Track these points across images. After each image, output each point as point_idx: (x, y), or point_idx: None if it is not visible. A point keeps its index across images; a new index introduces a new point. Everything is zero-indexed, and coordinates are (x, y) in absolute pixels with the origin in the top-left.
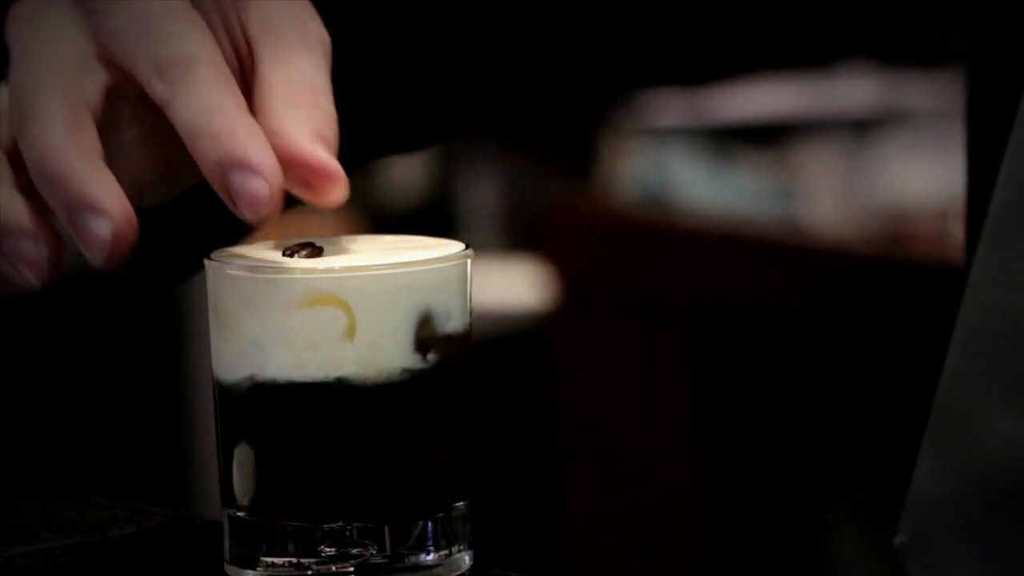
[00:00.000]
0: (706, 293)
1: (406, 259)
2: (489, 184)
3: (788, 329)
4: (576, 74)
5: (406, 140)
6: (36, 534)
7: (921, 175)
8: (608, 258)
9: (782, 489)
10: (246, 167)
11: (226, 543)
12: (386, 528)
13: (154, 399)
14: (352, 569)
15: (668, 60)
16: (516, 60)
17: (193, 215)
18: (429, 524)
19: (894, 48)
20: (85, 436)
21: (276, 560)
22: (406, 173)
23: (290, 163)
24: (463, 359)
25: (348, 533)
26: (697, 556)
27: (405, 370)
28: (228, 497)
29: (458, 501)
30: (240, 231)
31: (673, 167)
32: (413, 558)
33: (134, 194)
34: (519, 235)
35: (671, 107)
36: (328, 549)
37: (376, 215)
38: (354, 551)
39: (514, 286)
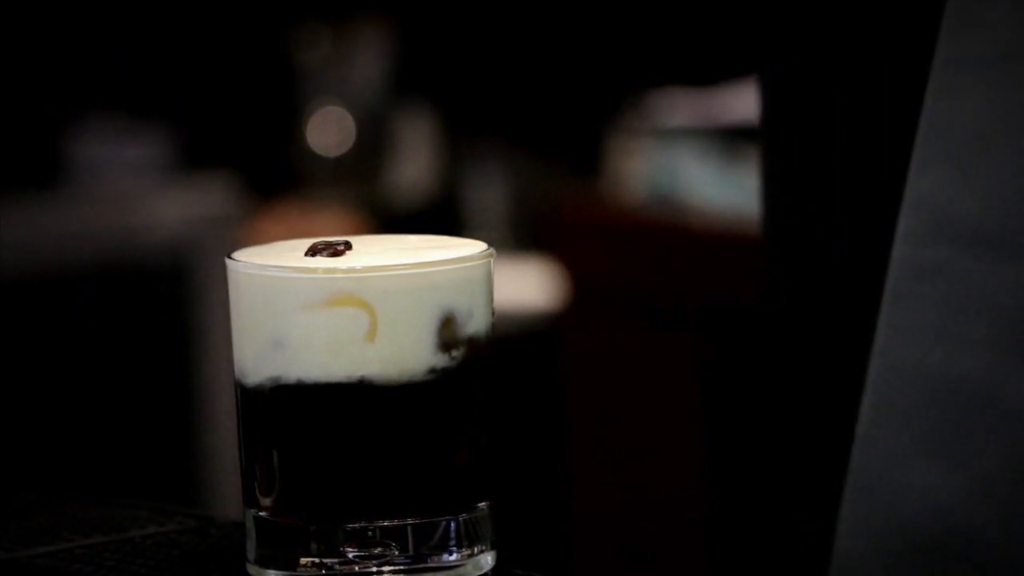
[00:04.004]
0: (714, 293)
1: (428, 259)
2: (497, 184)
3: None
4: (585, 75)
5: None
6: (58, 534)
7: None
8: (617, 258)
9: (790, 488)
10: None
11: (249, 543)
12: (409, 528)
13: (165, 400)
14: (375, 569)
15: (677, 61)
16: (526, 62)
17: None
18: (452, 524)
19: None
20: (99, 438)
21: (299, 560)
22: (414, 173)
23: None
24: (485, 359)
25: (371, 533)
26: (706, 554)
27: (427, 370)
28: (250, 498)
29: (480, 501)
30: None
31: (682, 167)
32: (436, 558)
33: None
34: (527, 235)
35: (680, 107)
36: (351, 549)
37: (384, 215)
38: (376, 551)
39: (523, 286)
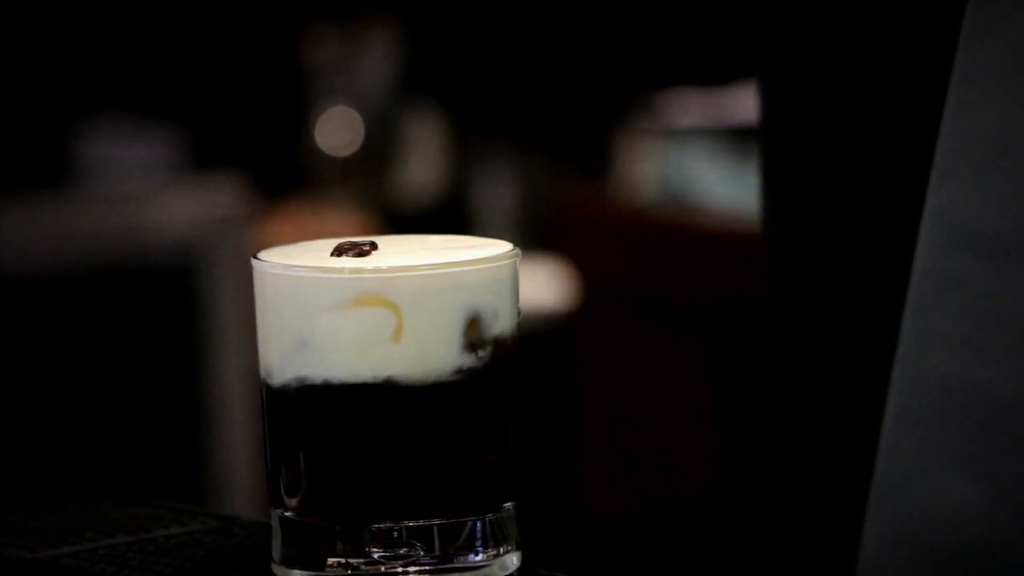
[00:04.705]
0: (726, 293)
1: (454, 259)
2: (506, 184)
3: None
4: (595, 74)
5: None
6: (82, 534)
7: None
8: (628, 258)
9: (803, 485)
10: None
11: (274, 543)
12: (435, 528)
13: (174, 401)
14: (401, 569)
15: (687, 61)
16: (535, 61)
17: None
18: (478, 524)
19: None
20: (108, 439)
21: (325, 560)
22: (423, 173)
23: None
24: (511, 359)
25: (396, 534)
26: (720, 553)
27: (453, 371)
28: (276, 498)
29: (506, 501)
30: None
31: (693, 168)
32: (462, 558)
33: None
34: (537, 235)
35: (690, 108)
36: (376, 549)
37: (393, 215)
38: (402, 551)
39: (533, 286)
